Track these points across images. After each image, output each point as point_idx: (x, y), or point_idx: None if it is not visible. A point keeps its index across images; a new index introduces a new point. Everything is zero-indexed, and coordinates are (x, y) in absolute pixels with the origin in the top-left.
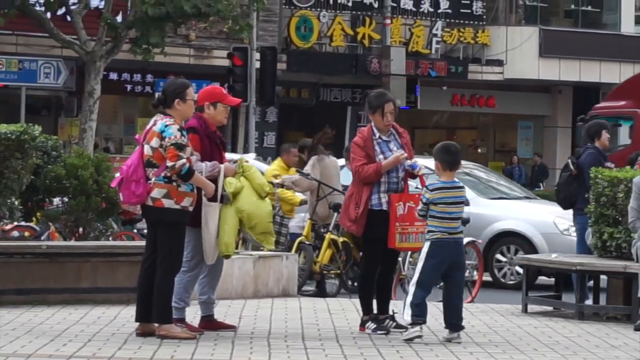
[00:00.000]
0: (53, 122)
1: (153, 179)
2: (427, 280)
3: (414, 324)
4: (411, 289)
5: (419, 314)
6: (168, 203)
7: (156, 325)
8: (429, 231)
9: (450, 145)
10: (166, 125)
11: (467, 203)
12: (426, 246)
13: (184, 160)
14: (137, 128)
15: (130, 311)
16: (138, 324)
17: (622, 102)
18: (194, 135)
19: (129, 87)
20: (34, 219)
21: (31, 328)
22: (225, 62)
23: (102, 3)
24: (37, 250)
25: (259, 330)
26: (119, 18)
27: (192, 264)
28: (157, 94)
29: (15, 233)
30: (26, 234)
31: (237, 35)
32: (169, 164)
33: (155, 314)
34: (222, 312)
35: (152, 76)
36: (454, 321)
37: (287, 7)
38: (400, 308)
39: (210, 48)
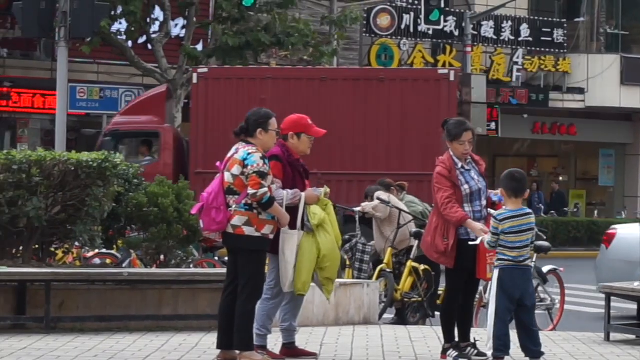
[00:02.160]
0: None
1: (234, 206)
2: (503, 309)
3: (496, 358)
4: (490, 320)
5: (502, 348)
6: (249, 230)
7: (237, 352)
8: (499, 259)
9: (515, 172)
10: (249, 153)
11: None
12: (495, 275)
13: (265, 189)
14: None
15: (211, 338)
16: (219, 351)
17: (144, 118)
18: (276, 163)
19: None
20: (115, 246)
21: (113, 355)
22: None
23: (183, 32)
24: (119, 278)
25: (340, 357)
26: (200, 46)
27: (275, 291)
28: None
29: (97, 260)
30: (108, 261)
31: (318, 62)
32: (251, 191)
33: (236, 341)
34: (304, 339)
35: None
36: (533, 347)
37: (367, 35)
38: (482, 336)
39: None
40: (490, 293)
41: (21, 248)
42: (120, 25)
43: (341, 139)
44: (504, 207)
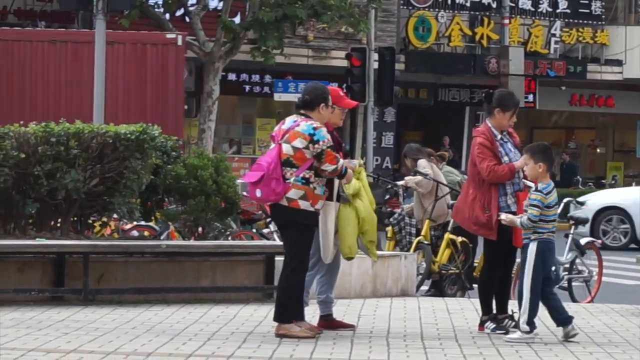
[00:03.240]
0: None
1: (292, 179)
2: (538, 282)
3: (532, 330)
4: (526, 294)
5: (534, 323)
6: (304, 205)
7: (276, 324)
8: (537, 232)
9: (548, 146)
10: (314, 128)
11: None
12: (533, 249)
13: (342, 161)
14: (256, 128)
15: (249, 310)
16: (277, 324)
17: None
18: None
19: (247, 87)
20: (153, 218)
21: (151, 327)
22: (344, 63)
23: (221, 4)
24: (157, 250)
25: (377, 329)
26: (237, 19)
27: (311, 263)
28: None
29: (135, 232)
30: (146, 233)
31: (356, 29)
32: (330, 167)
33: (276, 312)
34: (341, 311)
35: (271, 77)
36: (562, 316)
37: (405, 7)
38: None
39: (328, 49)
40: (526, 266)
41: (59, 220)
42: None
43: (72, 101)
44: (543, 182)
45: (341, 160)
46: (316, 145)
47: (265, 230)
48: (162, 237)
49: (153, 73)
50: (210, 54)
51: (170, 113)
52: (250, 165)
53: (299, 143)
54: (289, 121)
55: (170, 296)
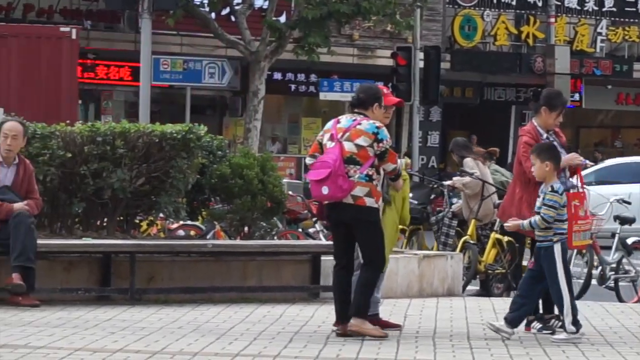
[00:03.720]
0: (218, 121)
1: (356, 176)
2: (569, 281)
3: (576, 331)
4: (565, 296)
5: (578, 322)
6: (369, 202)
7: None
8: (557, 234)
9: (553, 145)
10: (377, 127)
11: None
12: (559, 250)
13: (401, 161)
14: (302, 127)
15: (295, 310)
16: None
17: None
18: None
19: (293, 86)
20: (199, 218)
21: (197, 326)
22: (389, 62)
23: (267, 3)
24: (203, 249)
25: (424, 329)
26: (283, 18)
27: (357, 263)
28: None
29: (181, 232)
30: (192, 232)
31: (399, 29)
32: (391, 166)
33: (353, 307)
34: (387, 311)
35: (316, 76)
36: (521, 318)
37: (450, 6)
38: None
39: (373, 47)
40: (557, 268)
41: (106, 220)
42: None
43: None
44: (553, 182)
45: (400, 161)
46: (380, 144)
47: (311, 230)
48: (208, 237)
49: (47, 66)
50: (256, 53)
51: (64, 106)
52: (296, 164)
53: (362, 141)
54: (346, 120)
55: (217, 296)
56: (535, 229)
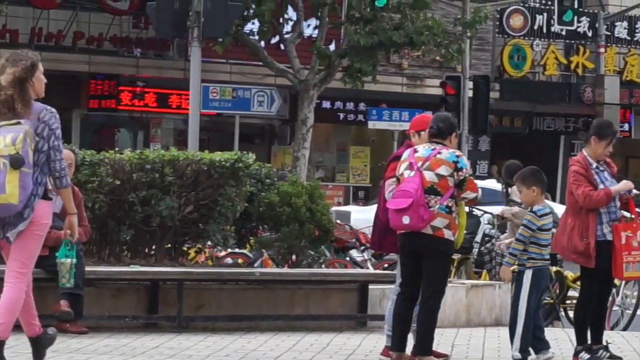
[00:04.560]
0: (266, 150)
1: (436, 206)
2: (532, 313)
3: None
4: (519, 322)
5: (528, 352)
6: (447, 234)
7: (415, 358)
8: (530, 258)
9: (537, 170)
10: (457, 156)
11: None
12: (528, 277)
13: (480, 191)
14: (350, 156)
15: (342, 339)
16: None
17: None
18: (394, 163)
19: (341, 115)
20: (247, 246)
21: (244, 355)
22: (438, 91)
23: (316, 32)
24: (251, 277)
25: (471, 359)
26: (332, 46)
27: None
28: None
29: (229, 260)
30: (240, 260)
31: (449, 63)
32: (471, 194)
33: (418, 345)
34: (435, 340)
35: (365, 105)
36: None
37: (500, 35)
38: (615, 338)
39: (422, 77)
40: (520, 294)
41: (154, 247)
42: (253, 26)
43: None
44: (538, 205)
45: (480, 190)
46: (460, 173)
47: (359, 259)
48: (255, 265)
49: None
50: (305, 82)
51: None
52: (344, 193)
53: (444, 170)
54: (424, 149)
55: (264, 324)
56: (515, 256)
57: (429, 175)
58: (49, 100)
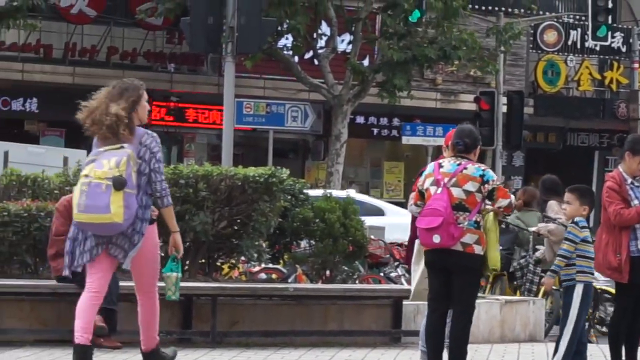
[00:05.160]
0: (300, 165)
1: (465, 223)
2: (581, 330)
3: None
4: (564, 338)
5: None
6: (478, 249)
7: None
8: (580, 272)
9: (592, 191)
10: (483, 170)
11: None
12: (579, 292)
13: (513, 197)
14: (384, 171)
15: (376, 354)
16: None
17: None
18: (418, 178)
19: (375, 130)
20: (281, 261)
21: None
22: (472, 106)
23: (350, 47)
24: (285, 293)
25: None
26: (366, 62)
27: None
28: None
29: (263, 275)
30: (273, 276)
31: (484, 70)
32: (504, 202)
33: None
34: (469, 356)
35: (399, 120)
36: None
37: (534, 51)
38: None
39: (457, 92)
40: (570, 310)
41: (188, 262)
42: (287, 41)
43: None
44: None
45: (512, 196)
46: (486, 186)
47: (393, 274)
48: (289, 280)
49: None
50: (339, 97)
51: None
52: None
53: (471, 187)
54: (449, 164)
55: (298, 339)
56: (557, 272)
57: (456, 192)
58: None
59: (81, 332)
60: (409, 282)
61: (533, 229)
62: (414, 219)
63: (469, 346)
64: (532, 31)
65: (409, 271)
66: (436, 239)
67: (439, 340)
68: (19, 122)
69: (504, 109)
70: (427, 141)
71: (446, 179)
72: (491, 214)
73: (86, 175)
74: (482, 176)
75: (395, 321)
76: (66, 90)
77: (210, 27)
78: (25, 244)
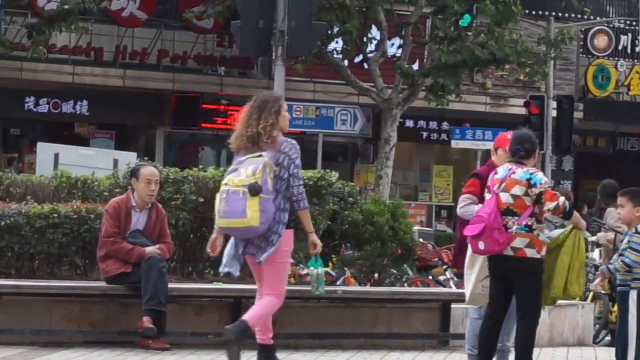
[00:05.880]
0: (349, 168)
1: (514, 227)
2: None
3: None
4: (631, 345)
5: None
6: (530, 252)
7: None
8: (635, 279)
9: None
10: (530, 173)
11: None
12: (634, 298)
13: (563, 198)
14: (433, 175)
15: (425, 357)
16: None
17: None
18: (474, 180)
19: (424, 134)
20: (330, 264)
21: None
22: (522, 111)
23: (400, 51)
24: (333, 295)
25: None
26: (416, 66)
27: (488, 311)
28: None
29: None
30: None
31: (531, 78)
32: (551, 205)
33: None
34: None
35: (448, 124)
36: None
37: (584, 55)
38: None
39: (506, 96)
40: (629, 316)
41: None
42: (337, 44)
43: None
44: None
45: (561, 198)
46: (534, 189)
47: (441, 278)
48: (338, 283)
49: None
50: (388, 101)
51: None
52: (427, 212)
53: (518, 190)
54: (502, 170)
55: (346, 342)
56: (615, 273)
57: (504, 197)
58: (133, 118)
59: (265, 332)
60: (457, 285)
61: (592, 238)
62: (462, 222)
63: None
64: (582, 36)
65: (457, 275)
66: (481, 245)
67: (490, 346)
68: (70, 125)
69: (554, 113)
70: (476, 145)
71: (496, 185)
72: (570, 232)
73: (226, 184)
74: (528, 180)
75: (443, 324)
76: (116, 92)
77: (261, 31)
78: (75, 245)
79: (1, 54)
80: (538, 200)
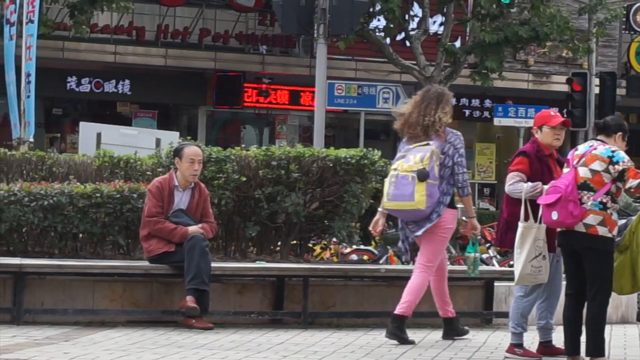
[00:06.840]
0: (391, 146)
1: (589, 203)
2: None
3: None
4: None
5: None
6: (602, 230)
7: (587, 358)
8: None
9: None
10: (613, 151)
11: None
12: None
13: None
14: (475, 153)
15: (468, 335)
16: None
17: None
18: (522, 158)
19: (467, 112)
20: (372, 242)
21: (369, 351)
22: (564, 88)
23: (442, 28)
24: (376, 274)
25: None
26: (458, 43)
27: (529, 288)
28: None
29: (354, 256)
30: (365, 257)
31: (575, 56)
32: (634, 182)
33: (590, 346)
34: (560, 337)
35: (491, 101)
36: None
37: (627, 32)
38: None
39: (549, 73)
40: None
41: (279, 244)
42: (379, 22)
43: None
44: None
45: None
46: (616, 166)
47: (484, 256)
48: (381, 262)
49: None
50: (431, 78)
51: None
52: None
53: (597, 166)
54: (583, 147)
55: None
56: None
57: (582, 172)
58: (176, 97)
59: (444, 307)
60: (500, 263)
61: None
62: (509, 200)
63: (561, 327)
64: (624, 12)
65: (500, 253)
66: (554, 215)
67: (576, 327)
68: (112, 104)
69: (596, 90)
70: (519, 122)
71: (576, 160)
72: None
73: (395, 169)
74: (610, 157)
75: (486, 302)
76: (158, 72)
77: (302, 9)
78: (118, 225)
79: (43, 33)
80: (620, 178)
